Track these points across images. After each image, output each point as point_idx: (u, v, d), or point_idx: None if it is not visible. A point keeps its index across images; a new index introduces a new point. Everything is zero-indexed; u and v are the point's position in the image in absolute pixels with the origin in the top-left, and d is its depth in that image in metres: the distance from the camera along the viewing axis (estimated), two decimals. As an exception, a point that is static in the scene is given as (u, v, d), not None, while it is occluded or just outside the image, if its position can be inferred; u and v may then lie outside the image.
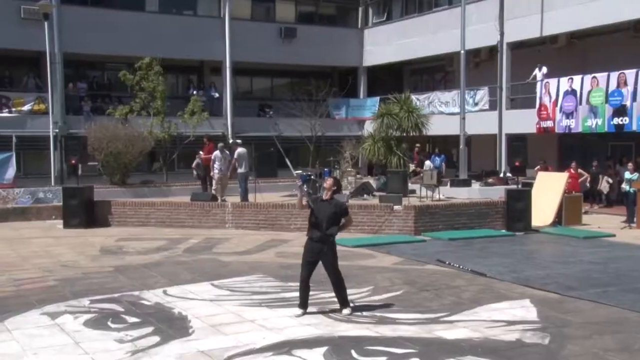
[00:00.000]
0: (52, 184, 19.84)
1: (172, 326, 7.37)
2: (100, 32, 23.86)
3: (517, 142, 17.43)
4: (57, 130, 21.91)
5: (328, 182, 8.16)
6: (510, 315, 7.86)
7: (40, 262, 11.45)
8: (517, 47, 23.78)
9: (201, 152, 18.42)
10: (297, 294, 8.91)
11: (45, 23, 20.51)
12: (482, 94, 24.22)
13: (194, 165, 19.46)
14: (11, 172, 18.21)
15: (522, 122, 21.86)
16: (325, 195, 7.97)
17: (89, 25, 23.76)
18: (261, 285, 9.58)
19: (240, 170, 17.34)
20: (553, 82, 20.85)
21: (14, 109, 22.88)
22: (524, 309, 8.15)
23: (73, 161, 17.55)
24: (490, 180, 20.05)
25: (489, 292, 9.11)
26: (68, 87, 24.52)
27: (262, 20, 28.14)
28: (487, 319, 7.68)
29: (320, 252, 7.85)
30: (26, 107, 23.03)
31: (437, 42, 25.61)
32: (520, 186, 16.82)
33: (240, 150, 17.50)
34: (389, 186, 18.43)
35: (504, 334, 7.09)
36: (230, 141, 21.44)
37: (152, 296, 8.81)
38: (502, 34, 23.42)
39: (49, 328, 7.35)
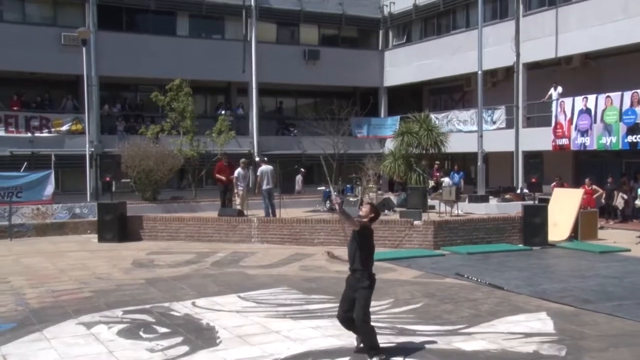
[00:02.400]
0: (88, 200, 20.09)
1: (200, 336, 7.41)
2: (133, 56, 24.32)
3: (534, 159, 17.31)
4: (92, 149, 22.26)
5: (364, 209, 6.64)
6: (527, 328, 7.77)
7: (77, 274, 11.59)
8: (533, 67, 23.68)
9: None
10: (320, 306, 8.95)
11: (83, 48, 20.93)
12: (500, 112, 24.14)
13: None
14: (50, 189, 18.48)
15: (539, 139, 21.72)
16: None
17: (123, 49, 24.23)
18: (286, 298, 9.59)
19: (263, 187, 17.36)
20: (568, 101, 20.71)
21: (53, 129, 23.35)
22: (541, 322, 8.06)
23: (107, 178, 17.78)
24: (507, 196, 19.89)
25: (507, 304, 9.02)
26: (103, 108, 24.94)
27: (287, 43, 28.42)
28: (504, 331, 7.61)
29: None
30: (64, 128, 23.48)
31: (455, 63, 25.61)
32: (536, 202, 16.67)
33: (263, 167, 17.54)
34: (409, 202, 18.38)
35: (521, 346, 7.02)
36: (257, 159, 21.57)
37: (181, 307, 8.87)
38: (518, 55, 23.37)
39: (85, 337, 7.45)
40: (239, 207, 17.65)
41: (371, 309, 8.55)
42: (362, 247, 6.44)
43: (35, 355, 6.79)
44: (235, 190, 17.75)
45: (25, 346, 7.10)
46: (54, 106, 24.78)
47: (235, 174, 17.81)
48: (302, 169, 22.63)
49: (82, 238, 16.90)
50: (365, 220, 6.51)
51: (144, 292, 10.00)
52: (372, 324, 7.02)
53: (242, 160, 18.85)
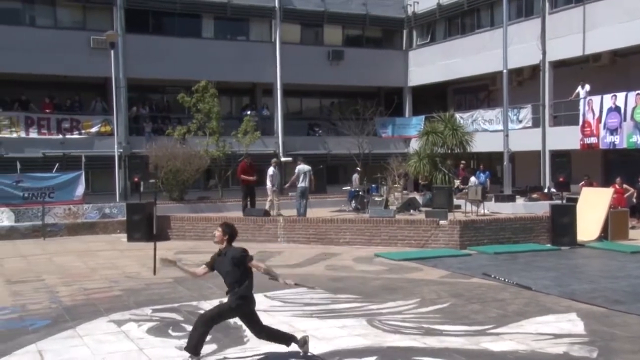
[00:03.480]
0: (117, 200, 20.35)
1: (228, 335, 7.45)
2: (160, 58, 24.56)
3: (561, 158, 17.05)
4: (121, 150, 22.52)
5: (217, 233, 6.44)
6: (556, 329, 7.67)
7: (107, 273, 11.75)
8: (560, 65, 23.37)
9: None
10: (346, 305, 8.94)
11: (112, 51, 21.20)
12: (526, 111, 23.87)
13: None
14: (81, 189, 18.76)
15: (566, 138, 21.43)
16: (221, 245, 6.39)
17: (150, 52, 24.49)
18: (312, 297, 9.60)
19: (299, 185, 17.31)
20: (596, 99, 20.40)
21: (83, 131, 23.68)
22: (571, 323, 7.95)
23: (136, 179, 17.94)
24: (534, 195, 19.66)
25: (535, 305, 8.91)
26: (131, 110, 25.22)
27: (311, 44, 28.43)
28: (533, 332, 7.52)
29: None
30: (94, 129, 23.81)
31: (480, 62, 25.39)
32: (564, 201, 16.45)
33: (301, 165, 17.52)
34: (434, 201, 18.26)
35: (550, 347, 6.92)
36: (282, 159, 21.59)
37: (209, 306, 8.87)
38: (544, 53, 23.08)
39: (115, 335, 7.54)
40: (267, 205, 17.59)
41: (398, 309, 8.54)
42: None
43: (69, 351, 6.89)
44: (273, 189, 17.65)
45: (60, 343, 7.22)
46: (84, 108, 25.12)
47: (270, 171, 17.80)
48: (358, 168, 22.51)
49: (111, 237, 17.13)
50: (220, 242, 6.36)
51: (172, 291, 10.09)
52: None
53: (274, 159, 18.84)
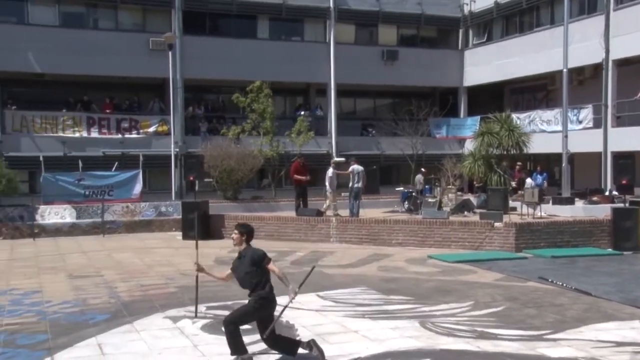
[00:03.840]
0: (173, 198, 20.78)
1: (281, 333, 7.49)
2: (216, 59, 24.97)
3: (624, 159, 16.47)
4: (177, 150, 22.98)
5: (234, 235, 6.50)
6: (619, 336, 7.41)
7: (163, 270, 12.02)
8: (623, 64, 22.60)
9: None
10: (399, 306, 8.88)
11: (169, 53, 21.67)
12: (586, 112, 23.18)
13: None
14: (138, 187, 19.26)
15: (630, 139, 20.71)
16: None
17: (206, 53, 24.93)
18: (364, 298, 9.58)
19: (353, 185, 17.27)
20: (662, 98, 19.64)
21: (141, 131, 24.31)
22: (635, 331, 7.66)
23: (191, 178, 18.31)
24: (594, 198, 19.05)
25: (595, 311, 8.64)
26: (187, 110, 25.73)
27: (365, 44, 28.36)
28: (593, 339, 7.29)
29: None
30: (151, 129, 24.41)
31: (539, 62, 24.81)
32: (627, 204, 15.89)
33: (355, 166, 17.51)
34: (489, 203, 17.94)
35: (612, 355, 6.70)
36: (335, 159, 21.59)
37: (262, 304, 9.00)
38: (607, 51, 22.37)
39: (171, 331, 7.71)
40: (326, 205, 17.60)
41: (451, 311, 8.44)
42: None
43: (127, 345, 7.09)
44: (331, 190, 17.69)
45: (118, 337, 7.43)
46: (142, 108, 25.78)
47: (330, 173, 17.84)
48: (423, 169, 22.34)
49: (167, 235, 17.51)
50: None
51: (225, 289, 10.21)
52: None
53: (334, 160, 18.80)
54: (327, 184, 17.70)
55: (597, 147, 22.33)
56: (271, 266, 6.26)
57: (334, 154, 25.89)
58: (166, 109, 24.41)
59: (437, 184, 20.07)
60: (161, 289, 10.25)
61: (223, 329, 6.28)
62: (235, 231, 6.43)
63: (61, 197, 18.18)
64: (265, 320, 6.31)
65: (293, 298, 6.28)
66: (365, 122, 29.38)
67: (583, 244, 14.37)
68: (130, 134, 24.12)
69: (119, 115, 24.45)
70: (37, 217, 17.46)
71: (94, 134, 23.71)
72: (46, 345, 7.11)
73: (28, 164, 21.93)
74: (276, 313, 6.38)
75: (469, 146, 24.94)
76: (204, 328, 7.81)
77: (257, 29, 27.05)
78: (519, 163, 22.37)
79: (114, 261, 13.17)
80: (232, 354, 6.24)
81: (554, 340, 7.25)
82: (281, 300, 6.46)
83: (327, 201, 17.75)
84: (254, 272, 6.19)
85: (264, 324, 6.29)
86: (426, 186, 19.94)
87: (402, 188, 20.35)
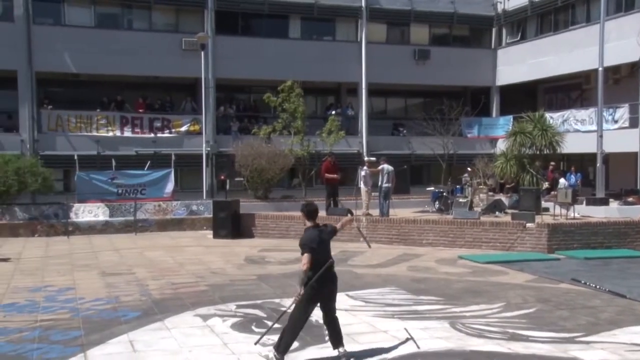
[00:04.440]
0: (204, 197, 20.94)
1: (310, 333, 7.52)
2: (247, 59, 25.12)
3: (661, 160, 16.13)
4: (208, 149, 23.18)
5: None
6: (653, 340, 7.27)
7: (193, 268, 12.14)
8: (661, 62, 22.08)
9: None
10: (429, 307, 8.84)
11: (202, 53, 21.87)
12: (622, 111, 22.70)
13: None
14: (170, 186, 19.48)
15: (667, 139, 20.23)
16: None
17: (238, 53, 25.09)
18: (393, 298, 9.55)
19: (382, 184, 17.23)
20: (701, 97, 19.13)
21: (173, 130, 24.59)
22: (670, 335, 7.51)
23: (222, 177, 18.44)
24: (630, 199, 18.66)
25: (630, 314, 8.47)
26: (219, 109, 25.93)
27: (397, 43, 28.21)
28: (627, 342, 7.15)
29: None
30: (183, 128, 24.67)
31: (573, 60, 24.40)
32: (663, 206, 15.54)
33: (385, 165, 17.46)
34: (521, 204, 17.69)
35: (645, 359, 6.57)
36: (365, 158, 21.53)
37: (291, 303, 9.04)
38: (644, 49, 21.86)
39: (201, 329, 7.79)
40: (364, 205, 17.55)
41: (482, 312, 8.37)
42: None
43: (158, 343, 7.18)
44: (366, 189, 17.69)
45: (149, 334, 7.53)
46: (175, 108, 26.06)
47: (363, 172, 17.84)
48: (469, 168, 22.19)
49: (198, 234, 17.68)
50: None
51: (255, 288, 10.30)
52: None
53: (367, 159, 18.76)
54: (361, 183, 17.67)
55: (633, 147, 21.86)
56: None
57: (365, 154, 25.83)
58: (198, 109, 24.64)
59: (468, 184, 19.88)
60: (192, 287, 10.36)
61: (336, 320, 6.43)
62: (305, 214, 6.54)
63: (95, 195, 18.50)
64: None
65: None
66: (396, 122, 29.24)
67: (617, 245, 14.11)
68: (163, 133, 24.41)
69: (151, 114, 24.76)
70: (72, 215, 17.80)
71: (127, 133, 24.05)
72: (79, 341, 7.25)
73: (63, 162, 22.37)
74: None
75: (501, 146, 24.64)
76: (234, 326, 7.88)
77: (289, 29, 27.13)
78: (552, 163, 22.03)
79: (145, 259, 13.35)
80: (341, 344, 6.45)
81: (587, 343, 7.14)
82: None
83: (364, 201, 17.62)
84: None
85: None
86: (457, 186, 19.75)
87: (432, 188, 20.20)
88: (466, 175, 21.25)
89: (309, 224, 6.45)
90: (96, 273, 11.63)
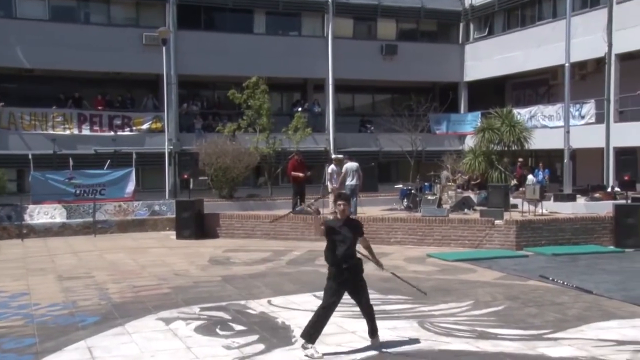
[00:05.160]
0: (167, 197, 20.76)
1: (276, 335, 7.50)
2: (211, 54, 24.94)
3: (627, 155, 16.52)
4: (171, 147, 22.97)
5: (342, 207, 6.94)
6: (619, 335, 7.43)
7: (156, 270, 12.00)
8: (627, 58, 22.62)
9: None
10: (397, 306, 8.88)
11: (163, 48, 21.64)
12: (589, 107, 23.20)
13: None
14: (131, 186, 19.21)
15: (632, 135, 20.74)
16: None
17: (201, 48, 24.89)
18: (362, 298, 9.55)
19: (347, 183, 17.27)
20: (666, 93, 19.65)
21: (134, 128, 24.28)
22: (636, 329, 7.68)
23: (185, 176, 18.28)
24: (596, 195, 19.06)
25: (596, 310, 8.65)
26: (182, 106, 25.68)
27: (364, 39, 28.37)
28: (594, 338, 7.30)
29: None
30: (145, 126, 24.38)
31: (541, 56, 24.82)
32: (629, 201, 15.91)
33: (348, 164, 17.51)
34: (490, 201, 17.93)
35: (613, 354, 6.71)
36: (332, 156, 21.58)
37: (257, 305, 9.01)
38: (610, 45, 22.40)
39: (164, 332, 7.69)
40: (332, 204, 17.54)
41: (450, 311, 8.44)
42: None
43: (118, 348, 7.07)
44: (331, 187, 17.70)
45: (109, 339, 7.41)
46: (136, 105, 25.76)
47: (329, 170, 17.83)
48: (448, 165, 22.26)
49: (160, 235, 17.49)
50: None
51: (220, 290, 10.23)
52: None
53: (334, 157, 18.76)
54: (328, 182, 17.67)
55: (600, 143, 22.36)
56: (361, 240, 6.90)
57: (332, 151, 25.89)
58: (160, 106, 24.40)
59: (436, 181, 20.07)
60: (154, 290, 10.23)
61: (371, 312, 6.88)
62: (343, 201, 6.94)
63: (51, 196, 18.12)
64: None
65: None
66: (364, 118, 29.38)
67: (585, 241, 14.38)
68: (123, 131, 24.09)
69: (111, 112, 24.42)
70: (26, 217, 17.42)
71: (85, 131, 23.67)
72: (33, 349, 7.08)
73: (16, 162, 21.90)
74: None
75: (470, 142, 24.94)
76: (198, 330, 7.80)
77: (254, 24, 27.04)
78: (520, 159, 22.38)
79: (105, 262, 13.15)
80: (375, 334, 6.92)
81: (555, 339, 7.26)
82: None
83: (332, 197, 17.63)
84: (354, 241, 6.80)
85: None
86: (425, 183, 19.92)
87: (401, 185, 20.33)
88: (445, 172, 21.47)
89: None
90: (52, 277, 11.40)
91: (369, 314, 6.88)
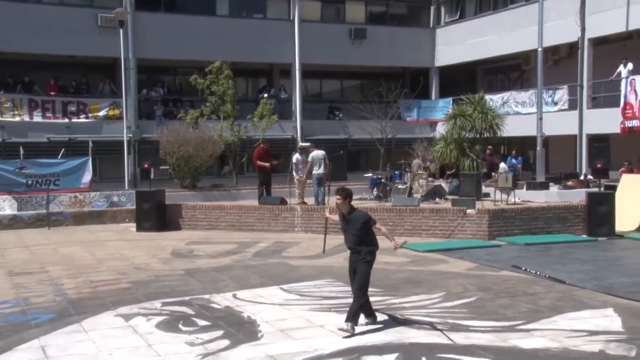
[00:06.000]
0: (126, 187, 20.51)
1: (242, 330, 7.47)
2: (172, 38, 24.62)
3: (599, 142, 16.81)
4: (130, 135, 22.68)
5: (338, 200, 7.62)
6: (592, 325, 7.58)
7: (115, 264, 11.85)
8: (600, 42, 23.00)
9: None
10: (367, 299, 8.89)
11: (121, 30, 21.27)
12: (562, 93, 23.56)
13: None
14: (88, 176, 18.91)
15: (605, 121, 21.13)
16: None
17: (161, 31, 24.55)
18: (330, 290, 9.60)
19: (314, 172, 17.26)
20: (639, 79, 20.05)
21: (90, 115, 23.87)
22: (608, 319, 7.85)
23: (146, 165, 18.09)
24: (569, 182, 19.43)
25: (569, 300, 8.82)
26: (141, 92, 25.33)
27: (332, 22, 28.33)
28: (566, 328, 7.44)
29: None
30: (102, 113, 23.99)
31: (513, 40, 25.09)
32: (602, 189, 16.24)
33: (314, 152, 17.51)
34: (461, 189, 18.14)
35: (585, 345, 6.85)
36: (306, 144, 21.54)
37: (222, 300, 8.97)
38: (583, 30, 22.72)
39: (123, 329, 7.60)
40: (297, 193, 17.55)
41: (422, 303, 8.52)
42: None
43: (74, 346, 6.96)
44: (296, 177, 17.67)
45: (64, 337, 7.29)
46: (91, 91, 25.33)
47: (294, 159, 17.80)
48: (418, 153, 22.28)
49: (120, 227, 17.28)
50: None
51: (183, 284, 10.15)
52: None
53: (300, 145, 18.72)
54: (296, 169, 17.63)
55: (573, 130, 22.74)
56: (378, 226, 7.57)
57: (299, 139, 25.86)
58: (118, 92, 24.02)
59: (407, 169, 20.20)
60: (113, 285, 10.11)
61: (356, 300, 7.28)
62: (338, 196, 7.57)
63: (0, 187, 17.75)
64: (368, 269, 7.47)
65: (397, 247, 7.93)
66: (332, 105, 29.39)
67: (558, 230, 14.64)
68: (78, 118, 23.67)
69: (65, 97, 23.95)
70: (-25, 209, 17.05)
71: (37, 118, 23.19)
72: (-17, 349, 6.94)
73: (-38, 151, 21.41)
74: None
75: (441, 129, 25.14)
76: (160, 326, 7.72)
77: (217, 5, 26.76)
78: (489, 147, 22.65)
79: (60, 256, 12.93)
80: (367, 316, 7.51)
81: (527, 331, 7.38)
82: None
83: (297, 186, 17.65)
84: (362, 233, 7.40)
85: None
86: (396, 172, 20.04)
87: (370, 174, 20.42)
88: (417, 160, 21.63)
89: (347, 208, 7.56)
90: (2, 273, 11.16)
91: (354, 299, 7.36)
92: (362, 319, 7.46)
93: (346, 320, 7.17)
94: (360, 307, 7.30)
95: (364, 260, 7.38)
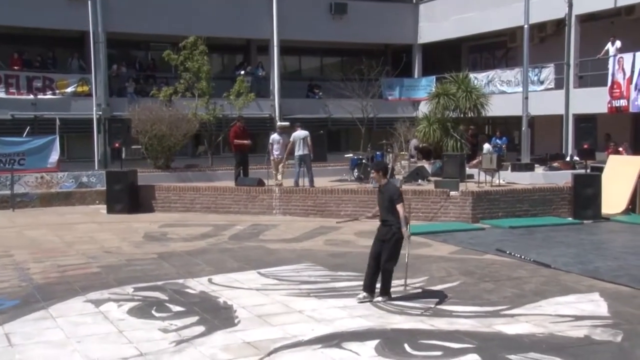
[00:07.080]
0: (96, 168, 20.31)
1: (217, 316, 7.44)
2: (144, 10, 24.19)
3: (586, 123, 16.96)
4: (100, 113, 22.42)
5: (373, 174, 8.54)
6: (577, 310, 7.66)
7: (84, 248, 11.74)
8: (588, 19, 23.06)
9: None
10: (347, 283, 8.95)
11: (89, 2, 20.89)
12: (548, 71, 23.63)
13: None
14: (55, 155, 18.65)
15: (592, 101, 21.25)
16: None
17: (133, 3, 24.10)
18: (310, 275, 9.60)
19: (296, 153, 17.17)
20: (628, 57, 20.17)
21: (57, 91, 23.46)
22: (593, 303, 7.94)
23: (117, 145, 17.90)
24: (555, 164, 19.58)
25: (554, 284, 8.90)
26: (112, 68, 24.98)
27: (311, -4, 28.02)
28: (551, 313, 7.51)
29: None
30: (70, 89, 23.58)
31: (499, 17, 25.05)
32: (588, 170, 16.38)
33: (297, 132, 17.41)
34: (445, 171, 18.19)
35: (570, 330, 6.91)
36: (285, 123, 21.40)
37: (196, 284, 8.93)
38: (570, 6, 22.74)
39: (93, 316, 7.53)
40: (277, 175, 17.45)
41: (403, 287, 8.55)
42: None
43: (41, 334, 6.88)
44: (271, 157, 17.58)
45: (30, 325, 7.20)
46: (59, 66, 24.89)
47: (270, 139, 17.70)
48: (417, 134, 22.16)
49: (89, 209, 17.12)
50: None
51: (156, 268, 10.10)
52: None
53: (279, 124, 18.59)
54: (272, 150, 17.50)
55: (559, 110, 22.85)
56: (399, 207, 7.76)
57: (277, 118, 25.73)
58: (87, 67, 23.66)
59: (389, 150, 20.20)
60: (82, 269, 10.02)
61: (385, 274, 7.94)
62: (373, 171, 8.41)
63: (-40, 167, 17.50)
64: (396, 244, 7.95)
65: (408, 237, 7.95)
66: (312, 83, 29.21)
67: (543, 213, 14.77)
68: (45, 94, 23.25)
69: (30, 72, 23.47)
70: None
71: (0, 94, 22.76)
72: (-55, 336, 6.83)
73: None
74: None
75: (424, 109, 25.14)
76: (131, 312, 7.67)
77: (192, -23, 26.32)
78: (471, 127, 22.72)
79: (25, 239, 12.79)
80: (382, 294, 7.97)
81: (511, 316, 7.43)
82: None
83: (277, 171, 17.55)
84: (390, 206, 7.81)
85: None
86: (377, 153, 20.03)
87: (351, 155, 20.39)
88: (415, 140, 21.62)
89: (384, 180, 8.08)
90: (-34, 257, 11.02)
91: (382, 275, 7.95)
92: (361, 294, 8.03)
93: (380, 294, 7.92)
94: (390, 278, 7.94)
95: (393, 235, 7.81)
